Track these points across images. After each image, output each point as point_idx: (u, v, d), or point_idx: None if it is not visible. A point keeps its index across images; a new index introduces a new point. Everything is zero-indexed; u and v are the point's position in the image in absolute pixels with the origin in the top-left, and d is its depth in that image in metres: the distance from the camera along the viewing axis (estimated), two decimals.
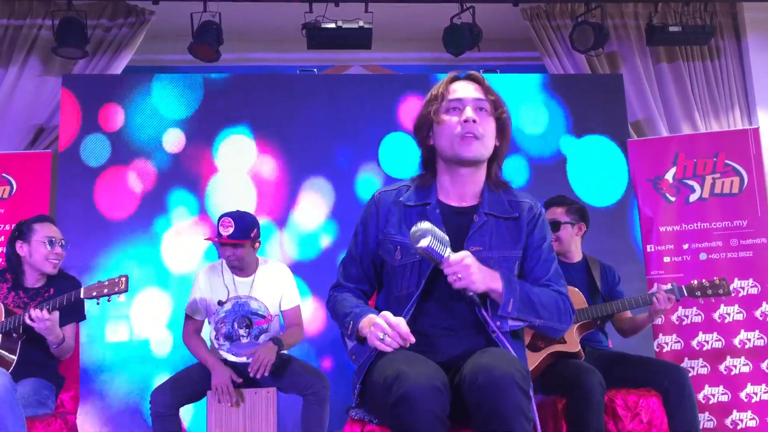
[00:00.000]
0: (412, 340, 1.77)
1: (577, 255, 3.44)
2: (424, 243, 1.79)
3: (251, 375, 3.18)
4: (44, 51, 4.84)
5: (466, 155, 1.95)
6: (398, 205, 2.04)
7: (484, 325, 1.91)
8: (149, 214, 4.44)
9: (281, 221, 4.49)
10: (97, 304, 2.97)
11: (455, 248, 1.89)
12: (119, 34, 4.97)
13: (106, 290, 2.92)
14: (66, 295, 2.92)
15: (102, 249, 4.35)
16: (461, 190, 2.03)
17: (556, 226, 3.35)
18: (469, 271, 1.81)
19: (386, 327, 1.78)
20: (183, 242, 4.42)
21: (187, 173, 4.52)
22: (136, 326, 4.28)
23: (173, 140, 4.56)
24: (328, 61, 5.46)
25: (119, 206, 4.43)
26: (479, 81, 2.04)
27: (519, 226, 2.02)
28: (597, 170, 4.75)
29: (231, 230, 3.35)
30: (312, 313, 4.36)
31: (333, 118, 4.65)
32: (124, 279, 2.95)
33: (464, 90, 2.00)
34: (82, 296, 2.92)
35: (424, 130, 2.04)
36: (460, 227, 1.98)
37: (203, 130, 4.58)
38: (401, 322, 1.79)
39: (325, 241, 4.49)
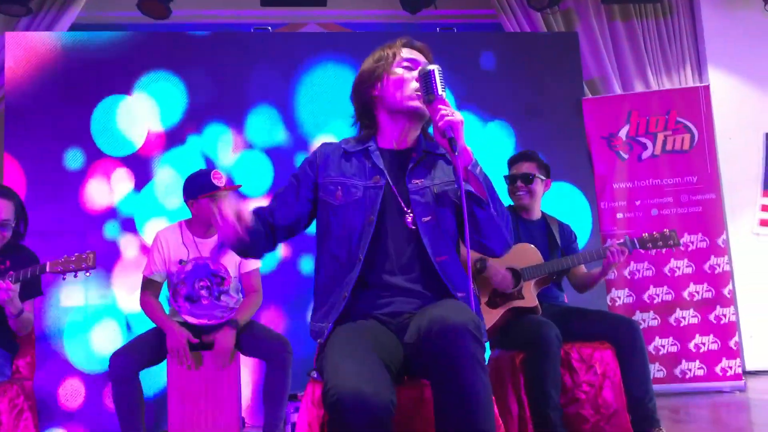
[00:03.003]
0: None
1: (537, 212, 3.49)
2: (432, 67, 1.93)
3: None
4: None
5: (415, 106, 2.03)
6: (339, 151, 2.11)
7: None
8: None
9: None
10: (63, 279, 2.92)
11: (398, 182, 2.03)
12: None
13: (72, 266, 2.87)
14: (31, 268, 2.85)
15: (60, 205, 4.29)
16: (400, 137, 2.11)
17: (528, 179, 3.38)
18: (459, 115, 1.90)
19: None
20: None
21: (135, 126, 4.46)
22: (90, 289, 4.23)
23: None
24: (283, 18, 5.36)
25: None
26: (426, 53, 2.15)
27: (453, 168, 2.09)
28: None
29: (225, 179, 3.35)
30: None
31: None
32: (92, 255, 2.90)
33: (416, 55, 2.12)
34: (48, 270, 2.86)
35: (370, 81, 2.10)
36: (400, 165, 2.08)
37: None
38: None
39: None
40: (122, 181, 4.38)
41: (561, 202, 4.60)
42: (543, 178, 3.43)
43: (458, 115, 1.89)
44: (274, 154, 4.52)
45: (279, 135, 4.54)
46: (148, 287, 3.38)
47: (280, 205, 2.08)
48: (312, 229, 2.15)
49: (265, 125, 4.54)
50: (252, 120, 4.54)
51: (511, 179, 3.43)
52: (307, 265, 4.38)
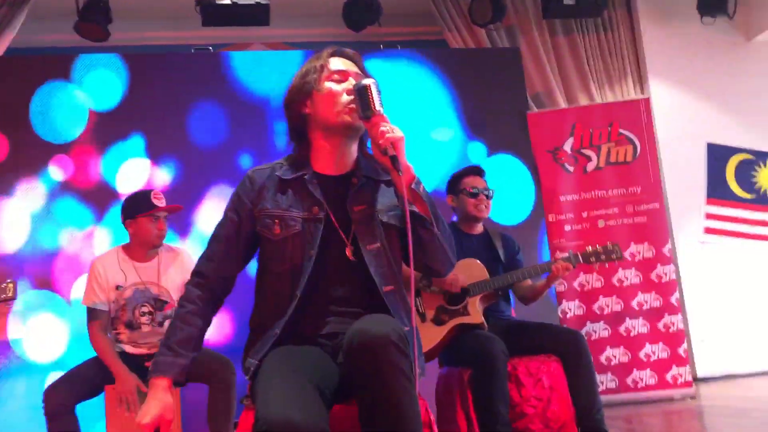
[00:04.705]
0: None
1: (481, 226, 3.49)
2: (367, 81, 1.84)
3: None
4: None
5: (348, 121, 1.93)
6: (273, 179, 2.00)
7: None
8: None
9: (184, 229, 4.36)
10: None
11: (338, 211, 1.92)
12: None
13: None
14: None
15: None
16: (338, 159, 2.00)
17: (488, 194, 3.39)
18: (399, 131, 1.82)
19: None
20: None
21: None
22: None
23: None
24: (227, 39, 5.31)
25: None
26: (356, 60, 2.05)
27: (395, 189, 2.00)
28: (507, 189, 4.71)
29: (164, 200, 3.27)
30: (217, 325, 4.23)
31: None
32: (11, 285, 2.80)
33: (345, 64, 2.01)
34: None
35: (299, 99, 2.00)
36: (338, 192, 1.97)
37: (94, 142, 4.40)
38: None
39: None
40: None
41: (508, 213, 4.62)
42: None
43: (399, 132, 1.81)
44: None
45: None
46: (94, 318, 3.23)
47: (225, 252, 1.98)
48: None
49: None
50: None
51: (473, 193, 3.38)
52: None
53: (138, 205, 3.27)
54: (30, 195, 4.24)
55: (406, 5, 5.33)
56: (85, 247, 4.22)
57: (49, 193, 4.27)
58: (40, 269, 4.18)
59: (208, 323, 1.98)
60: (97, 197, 4.32)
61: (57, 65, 4.41)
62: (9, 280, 2.81)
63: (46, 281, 4.17)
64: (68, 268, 4.21)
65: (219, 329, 4.23)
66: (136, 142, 4.42)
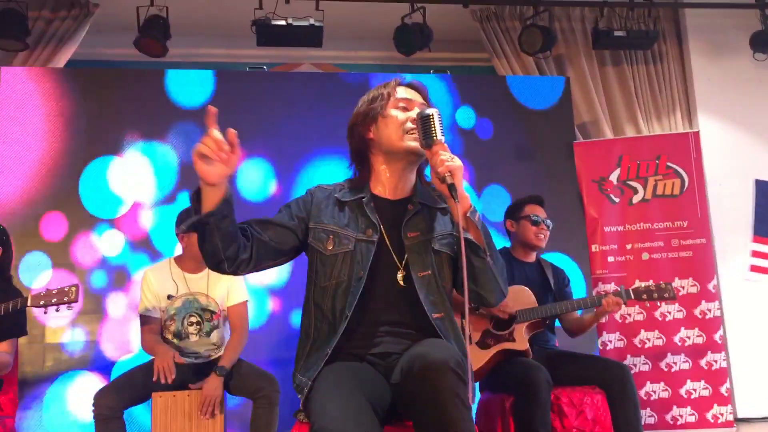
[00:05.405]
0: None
1: (533, 255, 3.51)
2: (431, 111, 1.89)
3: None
4: None
5: (411, 147, 1.99)
6: (332, 199, 2.07)
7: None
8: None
9: None
10: (45, 313, 2.89)
11: (392, 235, 1.99)
12: (62, 27, 4.82)
13: (54, 299, 2.85)
14: (12, 302, 2.83)
15: None
16: (397, 183, 2.07)
17: (548, 224, 3.42)
18: (458, 160, 1.86)
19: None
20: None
21: None
22: (76, 325, 4.16)
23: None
24: (278, 58, 5.41)
25: None
26: (422, 91, 2.12)
27: (450, 216, 2.08)
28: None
29: None
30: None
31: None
32: (74, 289, 2.89)
33: (411, 94, 2.09)
34: (29, 304, 2.83)
35: (364, 123, 2.07)
36: (395, 216, 2.03)
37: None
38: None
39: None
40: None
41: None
42: None
43: (457, 161, 1.86)
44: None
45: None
46: (146, 322, 3.35)
47: (263, 221, 1.99)
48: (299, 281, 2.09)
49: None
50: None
51: (535, 221, 3.42)
52: (297, 319, 4.29)
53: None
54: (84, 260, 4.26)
55: (456, 31, 5.38)
56: (131, 314, 4.15)
57: (101, 262, 4.26)
58: (88, 333, 4.17)
59: (240, 233, 1.89)
60: (149, 255, 4.32)
61: (113, 143, 4.42)
62: (74, 284, 2.89)
63: (93, 342, 4.17)
64: (114, 331, 4.18)
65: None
66: (183, 199, 4.39)
